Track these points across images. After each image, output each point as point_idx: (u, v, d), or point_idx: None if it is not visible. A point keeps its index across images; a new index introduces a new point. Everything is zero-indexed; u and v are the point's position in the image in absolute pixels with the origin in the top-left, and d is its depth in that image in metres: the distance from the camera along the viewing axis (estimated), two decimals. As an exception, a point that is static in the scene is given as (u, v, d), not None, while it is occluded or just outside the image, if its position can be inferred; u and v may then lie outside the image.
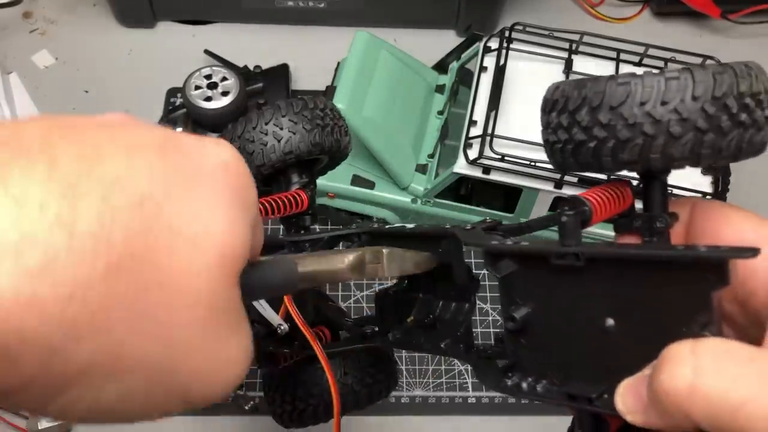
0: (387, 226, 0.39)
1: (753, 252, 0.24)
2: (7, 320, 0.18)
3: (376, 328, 0.41)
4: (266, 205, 0.39)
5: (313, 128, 0.41)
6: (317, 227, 0.44)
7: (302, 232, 0.43)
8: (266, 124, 0.41)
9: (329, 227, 0.41)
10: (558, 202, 0.62)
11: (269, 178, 0.42)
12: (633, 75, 0.26)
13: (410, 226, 0.37)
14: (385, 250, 0.33)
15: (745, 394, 0.22)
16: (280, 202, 0.40)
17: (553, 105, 0.29)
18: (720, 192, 0.59)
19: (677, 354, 0.23)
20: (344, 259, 0.32)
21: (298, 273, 0.30)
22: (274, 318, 0.38)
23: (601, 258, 0.27)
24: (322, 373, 0.41)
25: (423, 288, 0.38)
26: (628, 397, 0.26)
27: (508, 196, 0.64)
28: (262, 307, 0.38)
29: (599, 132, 0.27)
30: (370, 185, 0.67)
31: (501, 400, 0.63)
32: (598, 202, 0.29)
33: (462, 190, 0.67)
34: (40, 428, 0.59)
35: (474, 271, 0.36)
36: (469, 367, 0.65)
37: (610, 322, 0.27)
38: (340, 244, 0.42)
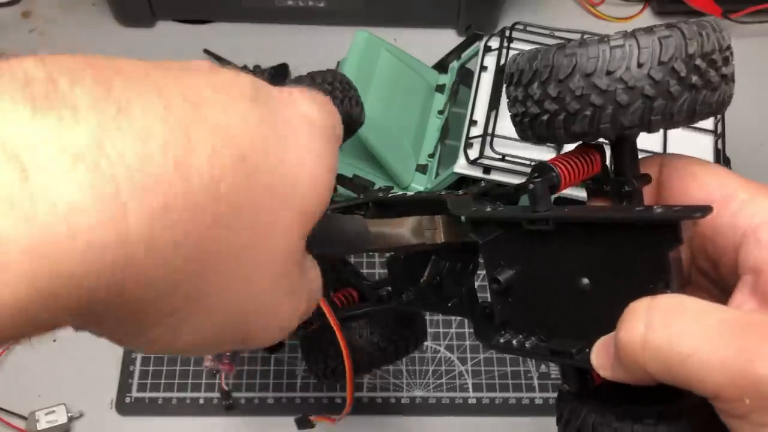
0: (390, 194, 0.41)
1: (703, 211, 0.24)
2: (133, 261, 0.18)
3: (390, 290, 0.43)
4: None
5: (344, 98, 0.43)
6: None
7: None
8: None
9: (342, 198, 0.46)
10: (558, 202, 0.62)
11: None
12: (580, 43, 0.26)
13: (410, 193, 0.40)
14: (439, 218, 0.34)
15: (690, 347, 0.23)
16: None
17: (511, 78, 0.29)
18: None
19: (634, 310, 0.25)
20: (406, 223, 0.33)
21: (371, 232, 0.32)
22: None
23: (569, 221, 0.28)
24: (350, 333, 0.44)
25: (432, 251, 0.39)
26: (600, 354, 0.27)
27: (507, 196, 0.64)
28: None
29: (550, 105, 0.27)
30: (370, 185, 0.67)
31: (501, 401, 0.63)
32: (565, 168, 0.29)
33: (462, 190, 0.67)
34: (39, 429, 0.59)
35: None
36: (470, 368, 0.65)
37: (585, 281, 0.28)
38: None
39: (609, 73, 0.25)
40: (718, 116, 0.62)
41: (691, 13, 0.86)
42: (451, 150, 0.66)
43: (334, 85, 0.44)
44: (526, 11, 0.85)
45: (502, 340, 0.32)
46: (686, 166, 0.29)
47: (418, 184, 0.66)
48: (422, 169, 0.67)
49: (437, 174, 0.65)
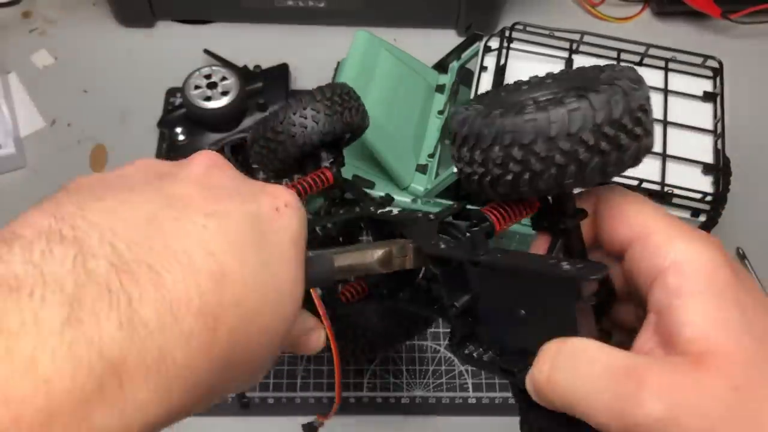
0: (379, 211, 0.45)
1: (600, 270, 0.27)
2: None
3: (391, 290, 0.45)
4: (298, 187, 0.48)
5: (343, 110, 0.49)
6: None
7: (337, 201, 0.52)
8: (304, 109, 0.49)
9: (340, 211, 0.49)
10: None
11: (305, 157, 0.50)
12: (538, 105, 0.28)
13: (395, 211, 0.44)
14: (411, 245, 0.37)
15: (583, 391, 0.26)
16: (309, 183, 0.48)
17: (464, 140, 0.31)
18: (720, 192, 0.59)
19: (545, 352, 0.28)
20: (374, 254, 0.36)
21: (335, 268, 0.35)
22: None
23: (495, 267, 0.31)
24: (366, 317, 0.51)
25: None
26: (529, 380, 0.30)
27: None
28: None
29: (514, 166, 0.29)
30: (370, 185, 0.67)
31: (501, 401, 0.63)
32: (499, 215, 0.32)
33: (462, 190, 0.67)
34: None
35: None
36: (470, 368, 0.65)
37: (522, 312, 0.31)
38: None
39: (522, 146, 0.28)
40: (718, 116, 0.62)
41: (691, 14, 0.86)
42: (450, 150, 0.66)
43: (333, 99, 0.49)
44: (526, 11, 0.85)
45: (466, 351, 0.34)
46: (617, 203, 0.31)
47: (418, 184, 0.66)
48: (422, 169, 0.67)
49: (437, 174, 0.65)
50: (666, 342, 0.27)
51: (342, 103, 0.49)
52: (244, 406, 0.53)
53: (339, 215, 0.47)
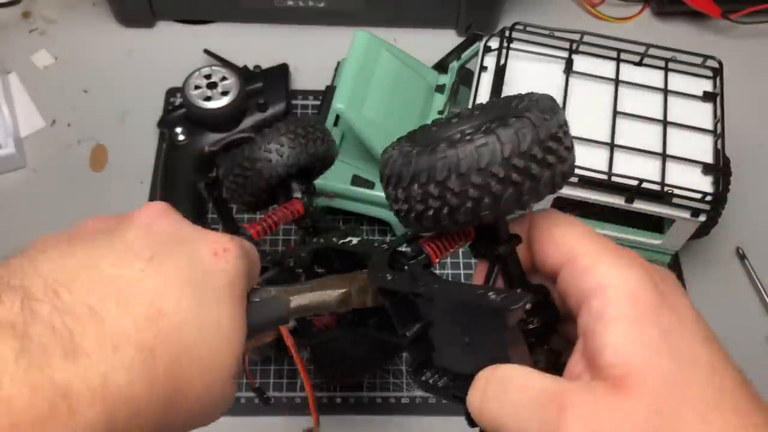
0: (340, 242, 0.47)
1: (520, 303, 0.28)
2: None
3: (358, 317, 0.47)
4: (264, 224, 0.48)
5: (307, 142, 0.51)
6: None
7: (310, 230, 0.53)
8: (269, 143, 0.50)
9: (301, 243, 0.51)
10: (558, 202, 0.62)
11: (276, 187, 0.52)
12: (450, 143, 0.29)
13: (355, 241, 0.46)
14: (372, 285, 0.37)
15: (511, 418, 0.27)
16: (273, 219, 0.49)
17: (388, 180, 0.32)
18: (720, 192, 0.59)
19: (478, 380, 0.29)
20: (332, 295, 0.37)
21: (290, 309, 0.35)
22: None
23: (434, 298, 0.32)
24: (343, 342, 0.53)
25: None
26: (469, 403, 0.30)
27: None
28: None
29: (433, 202, 0.30)
30: (370, 185, 0.67)
31: (501, 401, 0.63)
32: (435, 248, 0.34)
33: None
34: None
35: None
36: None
37: (466, 339, 0.31)
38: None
39: (480, 170, 0.29)
40: (718, 116, 0.62)
41: (691, 14, 0.86)
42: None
43: (297, 132, 0.51)
44: (526, 11, 0.85)
45: (423, 378, 0.35)
46: (547, 226, 0.31)
47: (418, 184, 0.66)
48: (422, 169, 0.67)
49: (437, 174, 0.66)
50: (591, 366, 0.27)
51: (306, 135, 0.51)
52: (265, 402, 0.53)
53: (304, 247, 0.49)
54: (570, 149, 0.31)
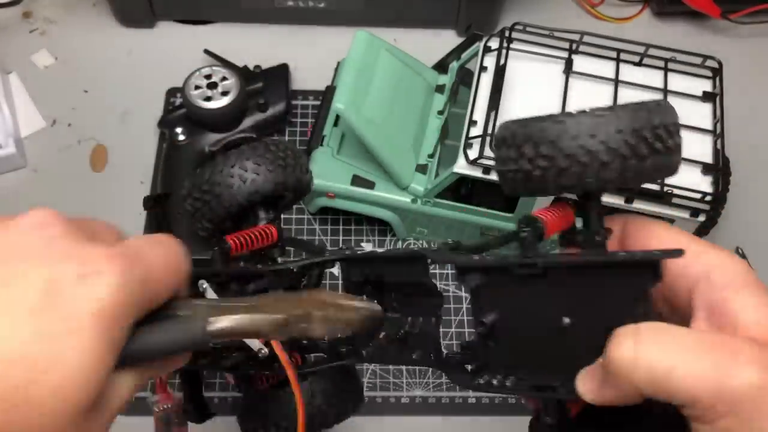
0: (359, 252, 0.41)
1: (679, 252, 0.30)
2: None
3: (350, 347, 0.42)
4: (236, 240, 0.42)
5: (275, 168, 0.44)
6: (280, 260, 0.47)
7: (270, 263, 0.45)
8: (231, 167, 0.43)
9: (303, 257, 0.43)
10: (557, 202, 0.62)
11: (238, 215, 0.45)
12: (568, 114, 0.31)
13: (380, 251, 0.41)
14: (317, 313, 0.33)
15: (673, 361, 0.28)
16: (250, 237, 0.43)
17: (503, 141, 0.33)
18: (720, 191, 0.59)
19: (624, 332, 0.29)
20: (267, 319, 0.31)
21: (206, 332, 0.30)
22: (255, 343, 0.38)
23: (556, 266, 0.32)
24: (291, 398, 0.41)
25: (391, 306, 0.41)
26: (586, 381, 0.31)
27: (508, 196, 0.64)
28: None
29: (542, 161, 0.31)
30: (370, 185, 0.67)
31: (501, 401, 0.63)
32: (549, 219, 0.34)
33: (462, 190, 0.67)
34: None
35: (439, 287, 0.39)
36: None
37: (567, 320, 0.32)
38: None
39: (593, 136, 0.30)
40: (718, 116, 0.63)
41: (691, 14, 0.86)
42: (450, 150, 0.66)
43: (287, 153, 0.45)
44: (526, 11, 0.85)
45: (481, 381, 0.35)
46: (647, 224, 0.34)
47: (418, 184, 0.66)
48: (422, 169, 0.67)
49: (437, 174, 0.66)
50: (724, 328, 0.30)
51: (274, 160, 0.44)
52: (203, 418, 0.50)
53: (303, 259, 0.42)
54: (678, 148, 0.32)
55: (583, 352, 0.31)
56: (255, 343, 0.38)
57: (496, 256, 0.34)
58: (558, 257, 0.32)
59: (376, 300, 0.40)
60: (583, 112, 0.31)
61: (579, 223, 0.34)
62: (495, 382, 0.34)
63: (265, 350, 0.39)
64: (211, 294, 0.36)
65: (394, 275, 0.39)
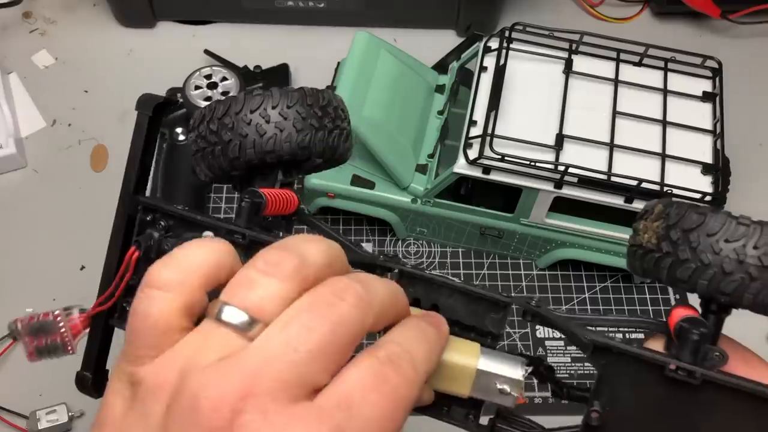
0: (427, 273, 0.31)
1: None
2: None
3: None
4: (271, 197, 0.33)
5: (304, 128, 0.34)
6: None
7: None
8: (251, 112, 0.34)
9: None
10: (558, 202, 0.62)
11: (248, 170, 0.36)
12: (729, 215, 0.28)
13: (458, 281, 0.31)
14: None
15: None
16: (280, 199, 0.34)
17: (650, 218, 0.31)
18: (720, 192, 0.59)
19: None
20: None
21: None
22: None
23: (719, 383, 0.27)
24: None
25: None
26: None
27: (508, 196, 0.64)
28: None
29: (706, 257, 0.28)
30: (370, 185, 0.67)
31: (501, 400, 0.63)
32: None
33: (462, 190, 0.67)
34: (39, 428, 0.59)
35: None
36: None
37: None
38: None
39: (728, 241, 0.28)
40: (717, 116, 0.63)
41: (691, 14, 0.86)
42: (450, 150, 0.66)
43: (326, 111, 0.36)
44: (526, 12, 0.85)
45: None
46: (752, 357, 0.31)
47: (418, 184, 0.66)
48: (422, 169, 0.67)
49: (437, 174, 0.66)
50: None
51: (306, 117, 0.35)
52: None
53: (363, 254, 0.33)
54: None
55: None
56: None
57: (646, 348, 0.29)
58: (723, 375, 0.28)
59: None
60: (728, 214, 0.28)
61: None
62: None
63: None
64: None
65: (457, 311, 0.31)
